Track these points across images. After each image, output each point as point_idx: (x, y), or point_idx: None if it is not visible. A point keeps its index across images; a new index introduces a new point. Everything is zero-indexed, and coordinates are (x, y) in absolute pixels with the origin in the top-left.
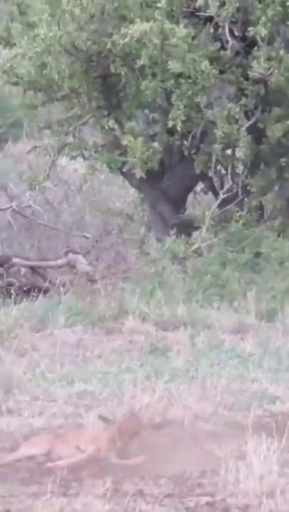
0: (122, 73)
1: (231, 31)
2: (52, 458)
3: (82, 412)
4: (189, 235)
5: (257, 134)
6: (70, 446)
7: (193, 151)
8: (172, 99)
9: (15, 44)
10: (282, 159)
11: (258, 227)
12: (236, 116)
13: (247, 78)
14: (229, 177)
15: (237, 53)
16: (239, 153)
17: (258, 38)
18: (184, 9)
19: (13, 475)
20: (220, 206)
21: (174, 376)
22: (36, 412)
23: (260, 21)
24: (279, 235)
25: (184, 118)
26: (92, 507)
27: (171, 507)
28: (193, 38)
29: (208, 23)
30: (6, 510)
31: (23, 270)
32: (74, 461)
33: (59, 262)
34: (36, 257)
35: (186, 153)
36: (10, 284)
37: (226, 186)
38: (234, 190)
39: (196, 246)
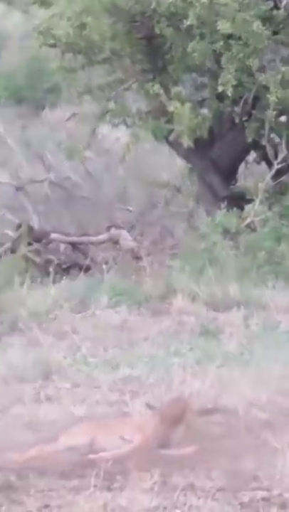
0: (168, 34)
1: None
2: (95, 449)
3: (127, 399)
4: (241, 208)
5: None
6: (115, 436)
7: (244, 118)
8: (222, 62)
9: (52, 4)
10: None
11: None
12: None
13: None
14: (284, 146)
15: None
16: None
17: None
18: None
19: (52, 468)
20: (274, 177)
21: (226, 360)
22: (78, 400)
23: None
24: None
25: (234, 82)
26: (138, 502)
27: (224, 502)
28: None
29: None
30: (45, 505)
31: (63, 246)
32: (119, 452)
33: (101, 237)
34: (76, 232)
35: (237, 121)
36: (48, 262)
37: (281, 156)
38: None
39: (248, 220)
